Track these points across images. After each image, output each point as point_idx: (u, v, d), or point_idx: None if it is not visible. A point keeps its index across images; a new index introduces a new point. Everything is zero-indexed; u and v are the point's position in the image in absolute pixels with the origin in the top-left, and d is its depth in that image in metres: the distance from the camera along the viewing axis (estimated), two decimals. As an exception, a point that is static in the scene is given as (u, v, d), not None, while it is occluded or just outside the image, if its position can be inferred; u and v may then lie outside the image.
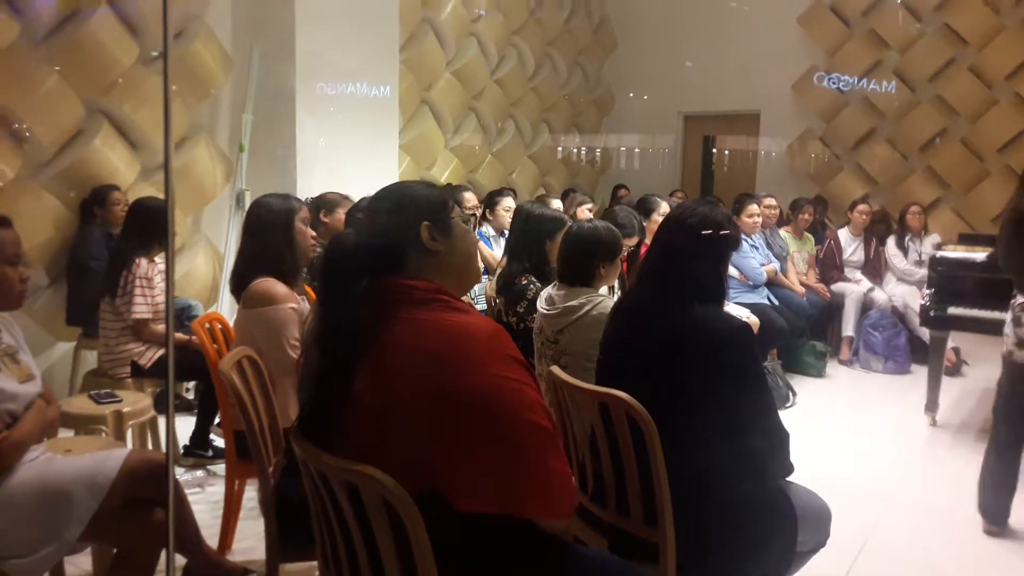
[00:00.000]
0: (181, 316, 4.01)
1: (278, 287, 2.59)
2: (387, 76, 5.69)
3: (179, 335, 3.53)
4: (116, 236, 3.88)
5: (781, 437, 1.97)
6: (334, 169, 5.05)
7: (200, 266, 4.76)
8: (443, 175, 6.98)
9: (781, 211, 6.28)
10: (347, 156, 5.22)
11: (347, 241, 1.50)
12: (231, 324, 2.87)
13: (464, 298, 1.69)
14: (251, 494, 2.89)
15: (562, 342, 2.56)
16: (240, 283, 2.63)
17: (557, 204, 4.94)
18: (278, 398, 2.37)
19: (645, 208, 4.57)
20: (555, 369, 2.05)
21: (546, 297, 2.67)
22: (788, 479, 2.08)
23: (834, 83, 7.95)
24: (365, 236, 1.51)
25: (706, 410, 1.89)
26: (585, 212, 5.69)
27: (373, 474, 1.27)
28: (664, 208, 4.61)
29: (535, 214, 3.28)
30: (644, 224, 4.21)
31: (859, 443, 4.20)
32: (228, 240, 5.01)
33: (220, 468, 3.54)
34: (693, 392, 1.89)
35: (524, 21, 7.74)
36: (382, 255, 1.44)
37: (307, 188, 4.83)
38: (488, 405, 1.31)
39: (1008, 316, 3.06)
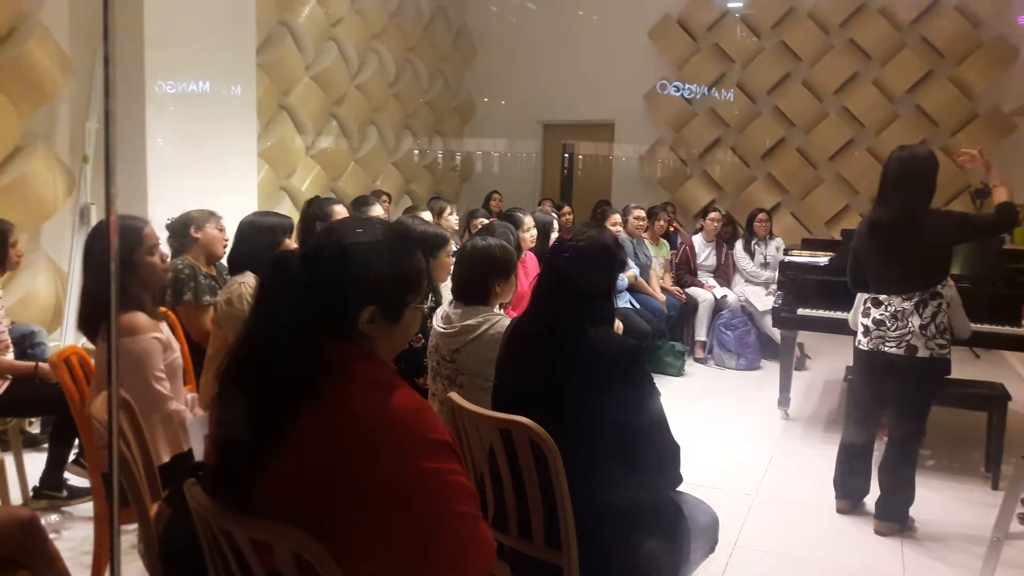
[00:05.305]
0: (23, 343, 3.65)
1: (138, 317, 2.41)
2: (243, 80, 5.43)
3: (19, 363, 3.23)
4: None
5: (673, 450, 2.05)
6: (188, 179, 4.75)
7: (41, 287, 4.35)
8: (304, 183, 6.76)
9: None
10: (202, 165, 4.93)
11: (295, 279, 1.31)
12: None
13: None
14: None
15: (459, 361, 2.54)
16: (92, 323, 2.43)
17: (426, 216, 4.90)
18: (148, 435, 2.21)
19: (513, 222, 4.62)
20: (454, 395, 2.03)
21: (442, 316, 2.64)
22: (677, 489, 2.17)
23: (679, 91, 8.37)
24: (310, 286, 1.30)
25: (603, 431, 1.93)
26: (450, 219, 5.70)
27: (293, 535, 1.20)
28: (529, 222, 4.69)
29: (416, 231, 3.24)
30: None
31: (722, 441, 4.45)
32: (72, 259, 4.61)
33: (77, 510, 3.26)
34: (590, 414, 1.93)
35: (384, 26, 7.63)
36: (319, 316, 1.29)
37: (159, 199, 4.54)
38: (405, 502, 1.21)
39: (858, 311, 3.39)
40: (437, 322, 2.64)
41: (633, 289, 5.86)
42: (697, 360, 6.28)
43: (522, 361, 2.07)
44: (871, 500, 3.43)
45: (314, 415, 1.24)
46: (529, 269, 4.51)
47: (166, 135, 4.75)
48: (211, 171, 4.94)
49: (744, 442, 4.45)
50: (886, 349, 3.19)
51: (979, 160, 3.21)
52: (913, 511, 3.33)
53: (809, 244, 5.66)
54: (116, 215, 1.09)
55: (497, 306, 2.70)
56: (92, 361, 2.54)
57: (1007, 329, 3.94)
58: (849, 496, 3.49)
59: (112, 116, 1.08)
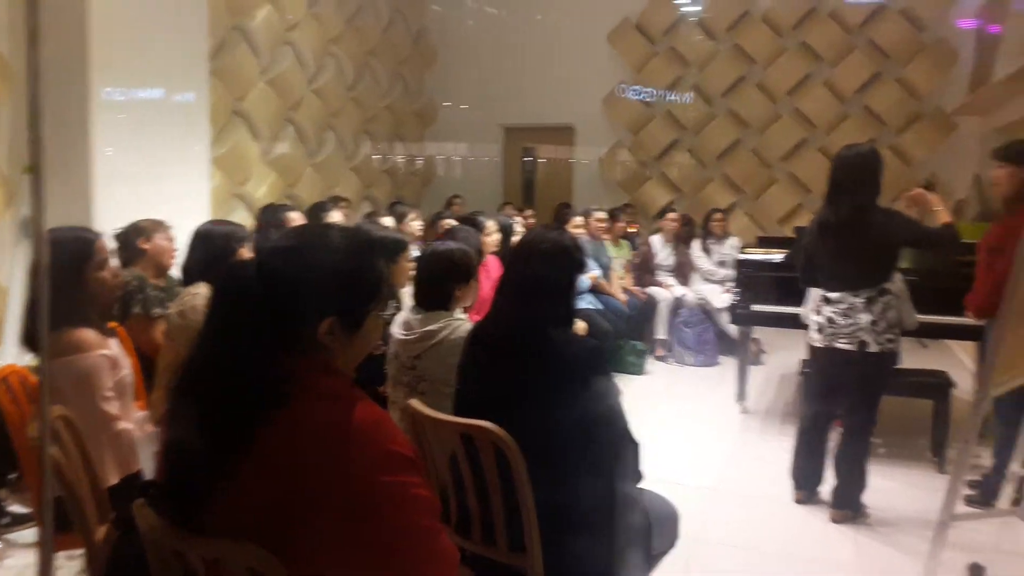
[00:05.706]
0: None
1: (86, 333, 2.30)
2: (195, 85, 5.32)
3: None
4: None
5: (633, 448, 2.06)
6: (139, 187, 4.63)
7: (-19, 302, 4.20)
8: (260, 190, 6.65)
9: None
10: (153, 173, 4.81)
11: (256, 288, 1.24)
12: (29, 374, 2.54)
13: None
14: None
15: (420, 368, 2.51)
16: (36, 335, 2.33)
17: (388, 221, 4.86)
18: (94, 457, 2.13)
19: (475, 226, 4.62)
20: (414, 402, 2.01)
21: (402, 322, 2.60)
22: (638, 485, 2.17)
23: (637, 94, 8.44)
24: (265, 296, 1.25)
25: (565, 431, 1.93)
26: (412, 224, 5.66)
27: (248, 551, 1.17)
28: (491, 226, 4.70)
29: (374, 236, 3.21)
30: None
31: (683, 436, 4.49)
32: (12, 273, 4.45)
33: (19, 536, 3.13)
34: (553, 416, 1.92)
35: (341, 30, 7.55)
36: (275, 327, 1.24)
37: (107, 210, 4.41)
38: (367, 516, 1.18)
39: (809, 307, 3.47)
40: (397, 329, 2.61)
41: (595, 290, 5.91)
42: (658, 358, 6.34)
43: (484, 365, 2.05)
44: (826, 489, 3.52)
45: (271, 429, 1.20)
46: (492, 272, 4.50)
47: (115, 143, 4.62)
48: (163, 179, 4.82)
49: (704, 437, 4.51)
50: (838, 345, 3.26)
51: (921, 197, 3.35)
52: (865, 498, 3.42)
53: (764, 242, 5.74)
54: (44, 215, 1.03)
55: (460, 310, 2.68)
56: (33, 379, 2.45)
57: (951, 319, 4.05)
58: (805, 486, 3.57)
59: (37, 100, 1.02)
